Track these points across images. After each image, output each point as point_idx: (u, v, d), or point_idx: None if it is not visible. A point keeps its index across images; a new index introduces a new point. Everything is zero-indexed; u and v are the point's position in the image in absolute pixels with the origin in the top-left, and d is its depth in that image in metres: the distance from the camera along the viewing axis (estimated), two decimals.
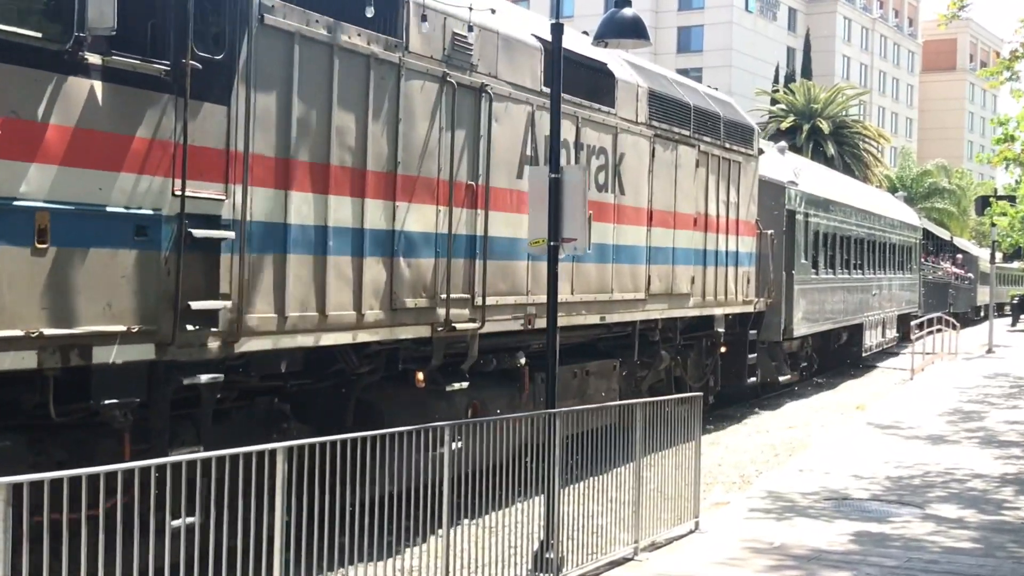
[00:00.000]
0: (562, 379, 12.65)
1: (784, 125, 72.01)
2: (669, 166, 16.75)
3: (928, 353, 33.64)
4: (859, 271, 31.30)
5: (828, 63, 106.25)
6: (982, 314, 63.17)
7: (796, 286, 23.84)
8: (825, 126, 71.41)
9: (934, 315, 38.50)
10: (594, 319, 14.73)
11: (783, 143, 32.37)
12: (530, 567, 9.73)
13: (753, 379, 20.75)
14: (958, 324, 40.47)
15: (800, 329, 24.55)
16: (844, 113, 76.45)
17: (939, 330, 36.11)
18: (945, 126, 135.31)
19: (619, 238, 15.27)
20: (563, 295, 12.49)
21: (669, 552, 11.11)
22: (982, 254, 71.05)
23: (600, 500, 10.64)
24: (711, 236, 18.21)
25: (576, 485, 10.33)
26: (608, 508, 10.71)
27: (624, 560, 10.63)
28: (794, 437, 19.48)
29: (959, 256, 65.12)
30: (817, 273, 26.21)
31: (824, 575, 10.24)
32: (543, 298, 11.39)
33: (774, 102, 78.19)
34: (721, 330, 19.01)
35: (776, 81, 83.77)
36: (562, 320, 11.97)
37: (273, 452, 6.86)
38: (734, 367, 20.45)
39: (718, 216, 18.45)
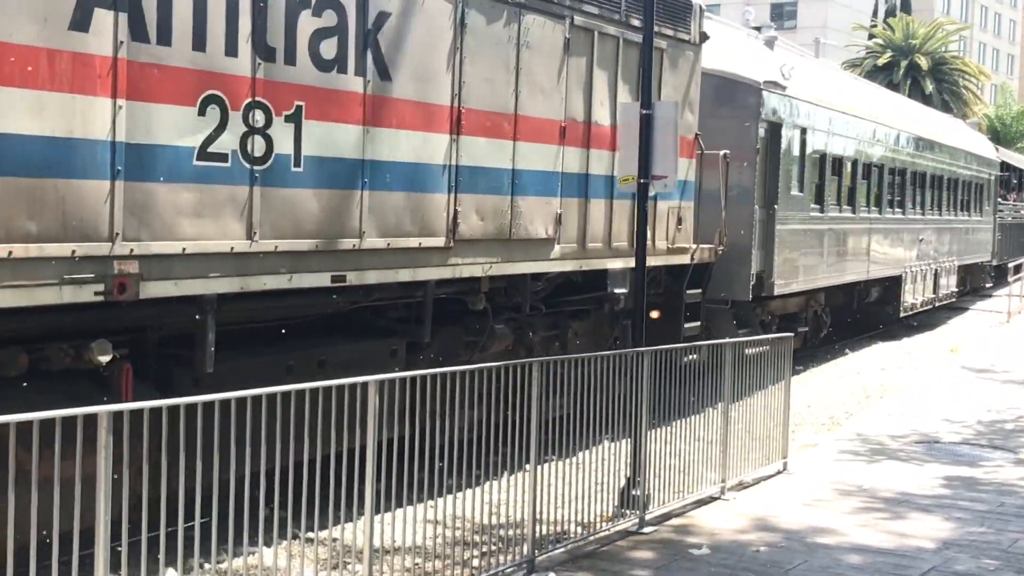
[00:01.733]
0: (256, 374, 8.42)
1: (881, 61, 70.56)
2: (502, 46, 11.21)
3: None
4: (897, 210, 25.27)
5: None
6: None
7: (780, 226, 17.77)
8: (924, 62, 69.81)
9: None
10: (314, 279, 9.33)
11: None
12: (616, 503, 9.78)
13: (694, 356, 11.34)
14: None
15: (789, 284, 18.57)
16: (943, 49, 74.59)
17: None
18: None
19: (378, 148, 9.84)
20: (229, 240, 8.47)
21: (756, 492, 11.11)
22: None
23: (688, 439, 10.64)
24: (599, 155, 12.60)
25: (665, 426, 10.34)
26: (696, 447, 10.71)
27: (711, 499, 10.64)
28: (885, 379, 19.26)
29: None
30: (823, 210, 20.30)
31: (913, 518, 10.17)
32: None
33: (871, 37, 76.50)
34: (621, 291, 13.51)
35: (875, 16, 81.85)
36: (223, 283, 8.46)
37: (365, 385, 6.95)
38: (670, 340, 13.84)
39: (613, 126, 12.55)
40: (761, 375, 11.72)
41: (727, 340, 11.47)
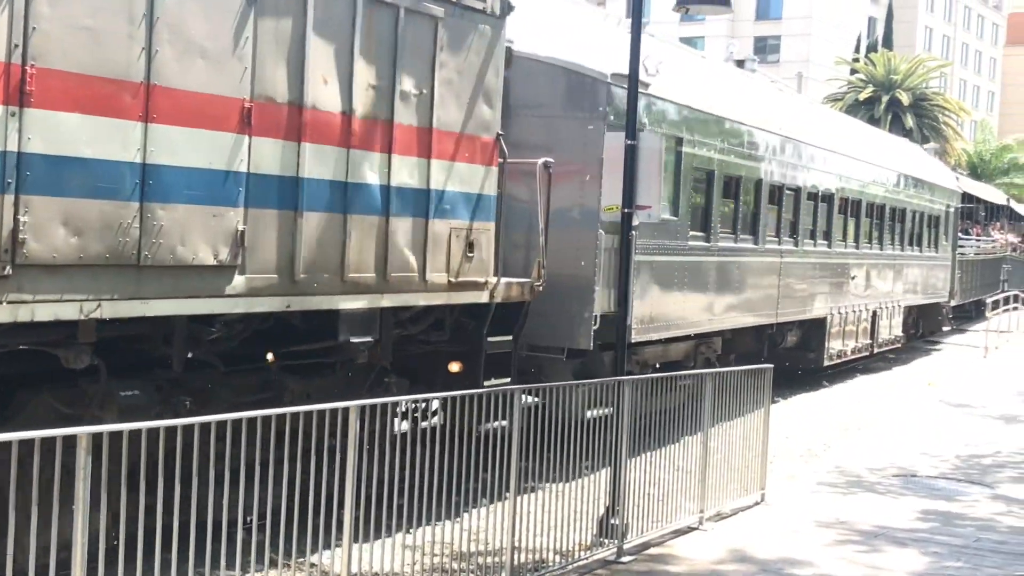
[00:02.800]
0: None
1: (863, 96, 70.97)
2: None
3: (1002, 332, 33.09)
4: (820, 242, 21.49)
5: (910, 34, 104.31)
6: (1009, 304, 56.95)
7: (642, 257, 14.02)
8: (904, 98, 70.25)
9: (1009, 294, 37.61)
10: None
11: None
12: (595, 532, 9.78)
13: (499, 422, 8.78)
14: None
15: (656, 328, 14.94)
16: (924, 85, 75.14)
17: (1014, 308, 35.53)
18: None
19: None
20: None
21: (734, 523, 11.11)
22: None
23: (667, 468, 10.66)
24: (320, 152, 9.23)
25: (644, 454, 10.35)
26: (675, 477, 10.73)
27: (689, 529, 10.65)
28: (863, 412, 19.32)
29: (1015, 223, 54.64)
30: (710, 239, 16.42)
31: (890, 551, 10.19)
32: None
33: (853, 72, 77.04)
34: (361, 339, 10.16)
35: (856, 51, 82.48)
36: None
37: (346, 410, 6.94)
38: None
39: (349, 114, 9.48)
40: (740, 406, 11.75)
41: (707, 371, 11.48)
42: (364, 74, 9.58)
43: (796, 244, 19.95)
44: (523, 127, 12.79)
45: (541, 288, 11.81)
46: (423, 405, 9.66)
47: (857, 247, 23.47)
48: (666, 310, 15.14)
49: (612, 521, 9.82)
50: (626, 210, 10.66)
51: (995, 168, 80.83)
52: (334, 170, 9.33)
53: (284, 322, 9.60)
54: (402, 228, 10.05)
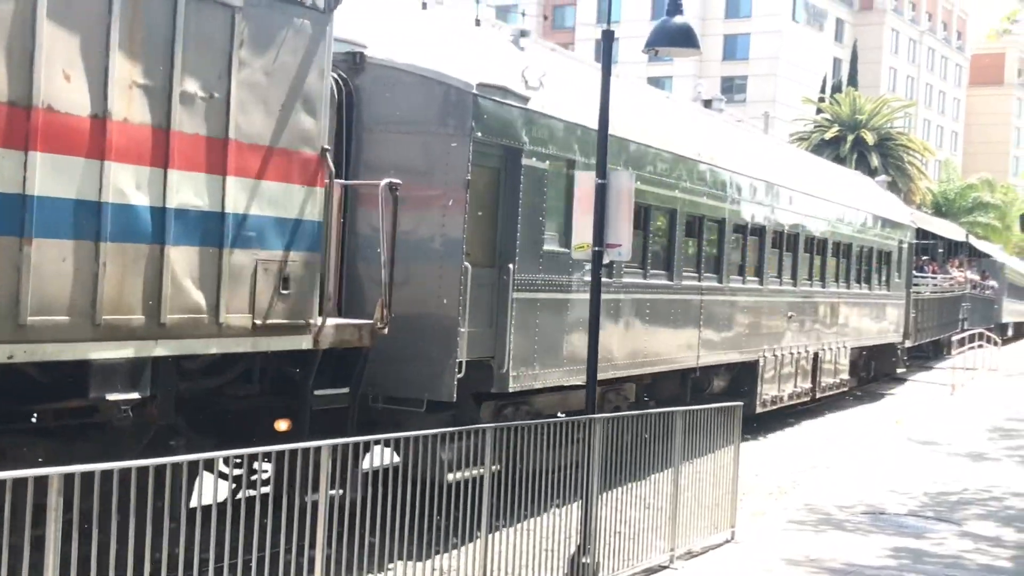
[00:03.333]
0: None
1: (828, 135, 71.70)
2: None
3: (968, 369, 33.32)
4: (751, 279, 19.61)
5: (874, 74, 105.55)
6: (1010, 333, 56.14)
7: (521, 294, 12.48)
8: (870, 137, 71.03)
9: (975, 331, 37.85)
10: None
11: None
12: (566, 571, 9.77)
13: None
14: (999, 340, 40.17)
15: (540, 374, 12.98)
16: (889, 125, 76.00)
17: (980, 346, 35.82)
18: (991, 140, 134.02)
19: None
20: None
21: (704, 561, 11.12)
22: (1009, 261, 64.37)
23: (637, 506, 10.67)
24: (54, 162, 7.51)
25: (613, 491, 10.36)
26: (645, 515, 10.74)
27: (660, 568, 10.66)
28: (832, 449, 19.41)
29: (975, 260, 53.43)
30: (612, 274, 14.46)
31: None
32: None
33: (819, 111, 77.83)
34: (123, 395, 8.28)
35: (822, 91, 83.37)
36: None
37: (318, 449, 6.94)
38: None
39: (104, 118, 7.82)
40: (711, 443, 11.79)
41: (677, 408, 11.52)
42: (126, 70, 7.84)
43: (720, 281, 18.14)
44: (379, 146, 11.48)
45: (385, 331, 10.12)
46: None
47: (795, 284, 21.61)
48: (560, 354, 13.26)
49: (583, 560, 9.81)
50: (596, 248, 10.72)
51: (959, 207, 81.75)
52: (80, 187, 7.55)
53: (24, 375, 7.77)
54: (185, 259, 8.30)
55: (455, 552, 8.60)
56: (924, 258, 42.88)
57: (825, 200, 23.70)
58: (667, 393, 17.06)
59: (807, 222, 22.27)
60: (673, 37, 11.29)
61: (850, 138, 71.11)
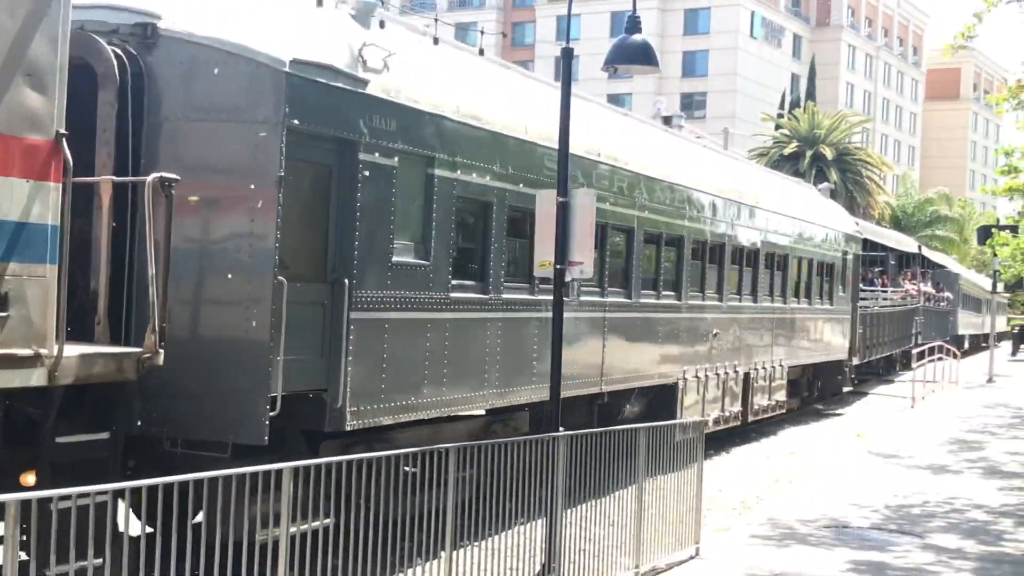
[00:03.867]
0: None
1: (787, 151, 72.25)
2: None
3: (928, 381, 33.57)
4: (666, 294, 17.51)
5: (832, 90, 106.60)
6: (966, 345, 54.02)
7: (362, 314, 10.48)
8: (828, 152, 71.65)
9: (933, 344, 38.01)
10: None
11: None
12: None
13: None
14: (958, 352, 40.46)
15: (390, 410, 10.96)
16: (847, 140, 76.71)
17: (939, 359, 36.07)
18: (948, 155, 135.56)
19: None
20: None
21: None
22: (964, 272, 63.52)
23: (602, 523, 10.66)
24: None
25: (578, 508, 10.35)
26: (609, 532, 10.73)
27: None
28: (794, 464, 19.48)
29: (929, 272, 51.38)
30: (488, 289, 12.63)
31: None
32: None
33: (778, 127, 78.43)
34: None
35: (781, 107, 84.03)
36: None
37: (280, 472, 6.88)
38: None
39: None
40: (674, 459, 11.80)
41: (641, 425, 11.53)
42: None
43: (629, 297, 16.11)
44: (177, 137, 9.67)
45: (158, 360, 8.21)
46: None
47: (721, 300, 19.61)
48: (421, 383, 11.31)
49: None
50: (558, 267, 10.73)
51: (918, 221, 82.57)
52: None
53: None
54: None
55: (419, 571, 8.54)
56: (878, 269, 42.53)
57: (757, 207, 21.70)
58: (570, 422, 12.27)
59: (735, 231, 20.44)
60: (632, 55, 11.34)
61: (809, 153, 71.70)
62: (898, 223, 77.81)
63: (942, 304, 50.37)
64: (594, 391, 15.16)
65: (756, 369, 21.37)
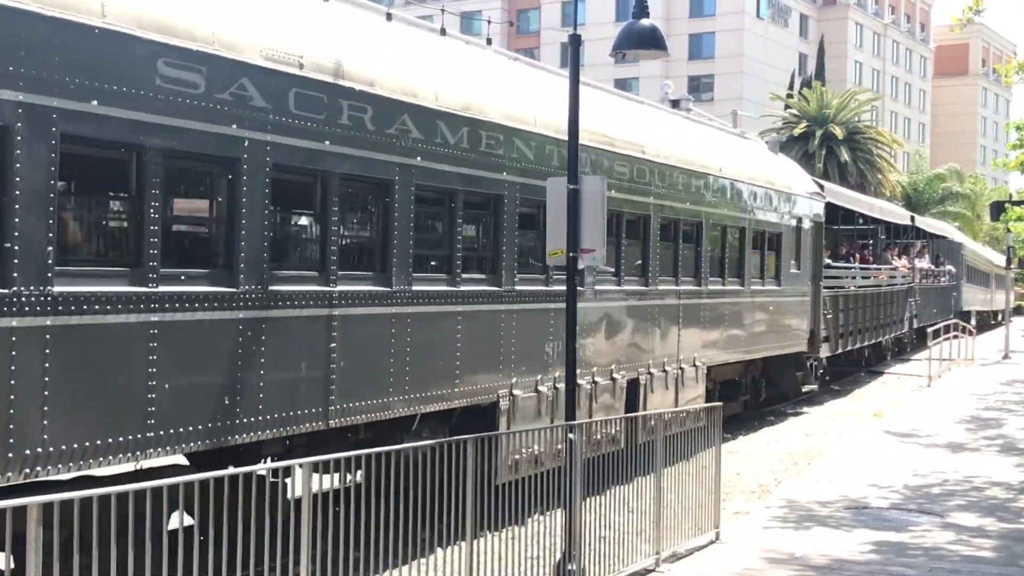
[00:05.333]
0: None
1: (797, 131, 71.95)
2: None
3: (944, 359, 33.45)
4: (521, 276, 13.31)
5: (840, 69, 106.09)
6: (972, 323, 46.13)
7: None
8: (838, 132, 71.32)
9: (947, 322, 37.66)
10: None
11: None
12: None
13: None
14: (974, 330, 40.29)
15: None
16: (857, 119, 76.37)
17: (955, 336, 35.99)
18: (957, 131, 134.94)
19: None
20: None
21: (690, 563, 11.11)
22: (968, 242, 59.11)
23: (621, 511, 10.65)
24: None
25: (597, 496, 10.35)
26: (628, 519, 10.73)
27: (645, 572, 10.64)
28: (811, 445, 19.45)
29: (925, 244, 45.55)
30: (148, 280, 8.53)
31: None
32: None
33: (787, 108, 78.13)
34: None
35: (789, 87, 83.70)
36: None
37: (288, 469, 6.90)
38: None
39: None
40: (693, 444, 11.79)
41: (658, 411, 11.51)
42: None
43: (390, 284, 11.10)
44: None
45: None
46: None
47: (580, 286, 13.14)
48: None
49: (569, 567, 9.79)
50: (571, 254, 10.70)
51: (929, 198, 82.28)
52: None
53: None
54: None
55: (439, 561, 8.56)
56: (861, 243, 37.30)
57: (644, 159, 16.29)
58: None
59: (626, 194, 15.70)
60: (640, 39, 11.28)
61: (819, 133, 71.40)
62: (909, 201, 77.58)
63: (943, 280, 45.93)
64: (317, 426, 10.17)
65: (650, 374, 16.44)
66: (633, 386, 15.87)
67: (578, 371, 11.39)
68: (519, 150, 13.26)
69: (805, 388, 25.46)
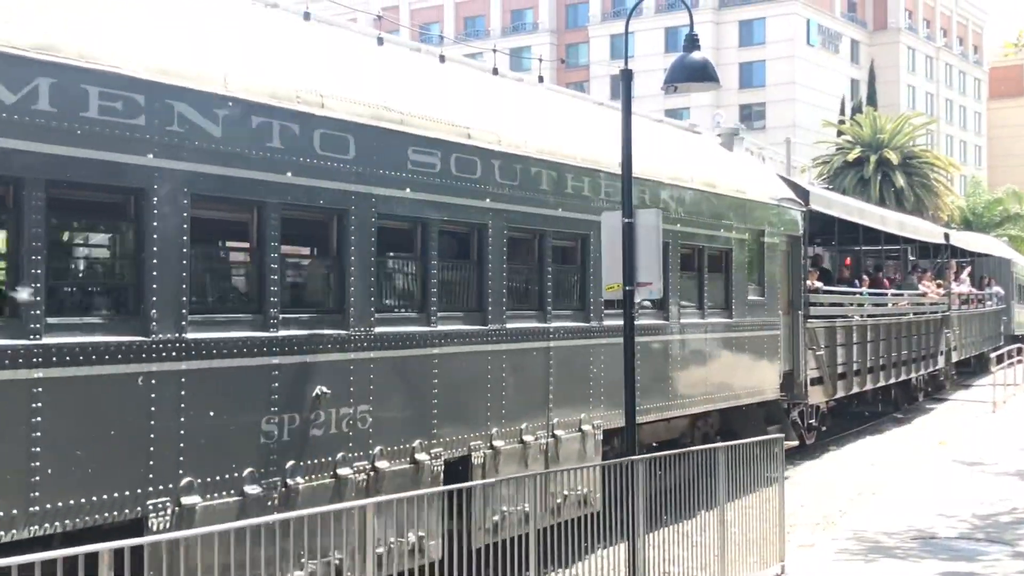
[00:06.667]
0: None
1: (851, 156, 71.48)
2: None
3: (1009, 384, 32.89)
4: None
5: (893, 93, 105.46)
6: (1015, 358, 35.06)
7: None
8: (893, 156, 70.75)
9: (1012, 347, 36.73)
10: None
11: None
12: None
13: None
14: None
15: None
16: (911, 143, 75.74)
17: (1019, 361, 35.42)
18: (1015, 152, 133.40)
19: None
20: None
21: None
22: (1017, 257, 51.28)
23: (684, 545, 10.57)
24: None
25: (660, 530, 10.28)
26: (692, 553, 10.64)
27: None
28: (876, 475, 19.20)
29: (963, 265, 38.48)
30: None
31: None
32: None
33: (840, 134, 77.69)
34: None
35: (842, 113, 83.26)
36: None
37: (363, 508, 6.91)
38: None
39: None
40: (755, 477, 11.69)
41: (720, 444, 11.44)
42: None
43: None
44: None
45: None
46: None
47: (358, 328, 9.82)
48: None
49: None
50: (627, 288, 10.71)
51: (988, 221, 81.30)
52: None
53: None
54: None
55: None
56: (884, 262, 32.74)
57: (474, 145, 11.48)
58: None
59: (447, 198, 11.02)
60: (691, 72, 11.32)
61: (873, 159, 70.88)
62: (969, 224, 76.66)
63: (989, 304, 39.91)
64: None
65: (490, 449, 11.32)
66: (462, 467, 11.02)
67: (357, 451, 9.61)
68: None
69: (787, 445, 15.23)
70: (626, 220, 10.74)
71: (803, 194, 20.57)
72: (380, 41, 12.31)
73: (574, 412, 12.76)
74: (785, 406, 19.14)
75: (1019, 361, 35.11)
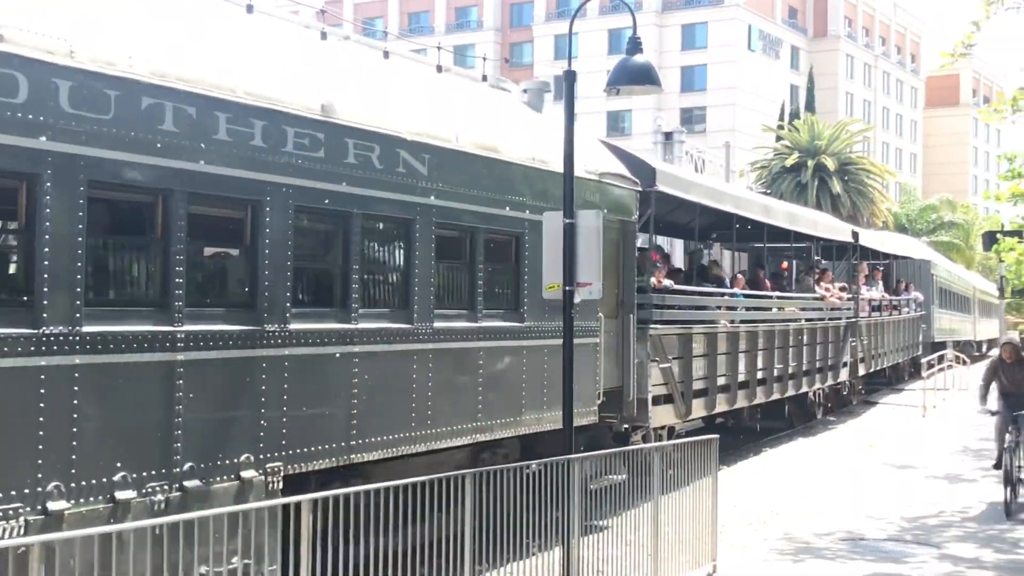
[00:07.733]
0: None
1: (789, 162, 72.20)
2: None
3: (939, 389, 33.41)
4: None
5: (832, 100, 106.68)
6: (950, 355, 38.01)
7: None
8: (830, 163, 71.57)
9: (942, 353, 37.40)
10: None
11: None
12: None
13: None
14: (968, 360, 40.25)
15: None
16: (848, 149, 76.65)
17: (949, 366, 36.02)
18: (949, 161, 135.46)
19: None
20: None
21: None
22: (939, 259, 48.80)
23: (617, 544, 10.65)
24: None
25: (594, 530, 10.35)
26: (625, 552, 10.72)
27: None
28: (806, 477, 19.42)
29: (878, 268, 36.48)
30: None
31: None
32: None
33: (779, 139, 78.43)
34: None
35: (781, 119, 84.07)
36: None
37: (299, 504, 6.90)
38: None
39: None
40: (688, 476, 11.80)
41: (654, 444, 11.53)
42: None
43: None
44: None
45: None
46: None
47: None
48: None
49: None
50: (567, 288, 10.76)
51: (921, 228, 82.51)
52: None
53: None
54: None
55: None
56: (783, 262, 29.35)
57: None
58: None
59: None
60: (633, 76, 11.40)
61: (811, 164, 71.65)
62: (903, 230, 77.73)
63: (906, 310, 36.76)
64: None
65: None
66: None
67: None
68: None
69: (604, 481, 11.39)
70: (567, 220, 10.78)
71: (648, 172, 16.76)
72: (324, 35, 12.27)
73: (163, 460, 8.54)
74: (623, 429, 15.80)
75: (949, 367, 35.67)
